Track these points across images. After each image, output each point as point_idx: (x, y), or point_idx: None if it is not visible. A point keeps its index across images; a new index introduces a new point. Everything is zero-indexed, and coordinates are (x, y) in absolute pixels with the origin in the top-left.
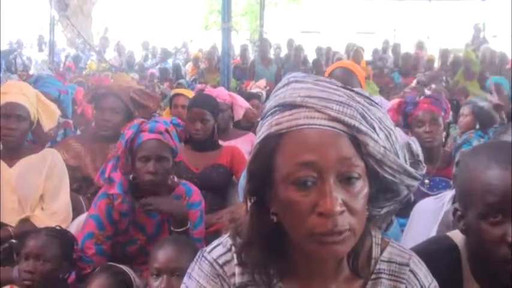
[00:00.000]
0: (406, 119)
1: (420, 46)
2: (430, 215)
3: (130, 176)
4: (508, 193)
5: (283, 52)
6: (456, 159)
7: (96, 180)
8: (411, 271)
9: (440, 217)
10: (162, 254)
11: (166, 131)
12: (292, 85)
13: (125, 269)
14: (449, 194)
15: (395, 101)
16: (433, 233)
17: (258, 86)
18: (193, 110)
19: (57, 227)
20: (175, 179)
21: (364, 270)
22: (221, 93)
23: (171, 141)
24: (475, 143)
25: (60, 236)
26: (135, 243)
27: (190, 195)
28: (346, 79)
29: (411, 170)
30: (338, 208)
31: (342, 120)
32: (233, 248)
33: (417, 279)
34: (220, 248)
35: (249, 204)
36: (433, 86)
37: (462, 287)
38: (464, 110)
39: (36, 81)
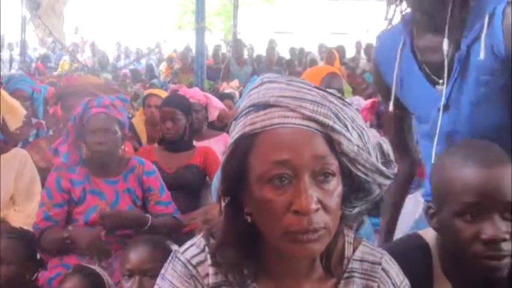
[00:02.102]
0: (378, 119)
1: None
2: (402, 215)
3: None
4: (484, 191)
5: (257, 52)
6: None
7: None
8: (383, 270)
9: (417, 214)
10: (134, 255)
11: (112, 104)
12: (266, 85)
13: (97, 270)
14: (422, 192)
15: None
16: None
17: (230, 87)
18: (164, 109)
19: (19, 228)
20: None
21: (337, 269)
22: (196, 94)
23: (117, 113)
24: None
25: (22, 236)
26: (96, 209)
27: (144, 164)
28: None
29: (383, 168)
30: (313, 206)
31: (316, 119)
32: (207, 249)
33: (389, 277)
34: (194, 248)
35: (222, 204)
36: None
37: (433, 284)
38: None
39: (8, 81)
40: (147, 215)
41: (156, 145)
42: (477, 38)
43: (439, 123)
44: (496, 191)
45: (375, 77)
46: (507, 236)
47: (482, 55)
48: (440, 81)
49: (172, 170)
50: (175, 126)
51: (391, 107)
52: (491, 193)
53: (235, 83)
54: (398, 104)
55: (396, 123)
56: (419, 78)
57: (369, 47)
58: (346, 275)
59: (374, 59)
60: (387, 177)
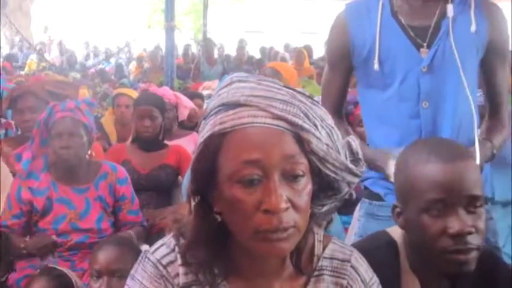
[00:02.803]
0: (347, 118)
1: None
2: None
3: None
4: (447, 187)
5: (228, 52)
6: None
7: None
8: (352, 267)
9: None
10: (103, 255)
11: (78, 108)
12: (236, 84)
13: (66, 272)
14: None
15: None
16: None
17: (208, 88)
18: (140, 108)
19: None
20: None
21: (307, 268)
22: (166, 93)
23: (83, 117)
24: None
25: None
26: (64, 219)
27: (117, 171)
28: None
29: (352, 167)
30: (283, 205)
31: (286, 118)
32: (177, 249)
33: (358, 274)
34: (164, 248)
35: (192, 204)
36: None
37: (400, 280)
38: None
39: None
40: None
41: (128, 143)
42: (465, 9)
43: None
44: (459, 186)
45: (338, 39)
46: (473, 230)
47: (473, 27)
48: (425, 44)
49: (147, 171)
50: (153, 123)
51: (376, 65)
52: (455, 188)
53: (215, 83)
54: (350, 67)
55: (345, 85)
56: (403, 41)
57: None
58: (316, 273)
59: (342, 19)
60: (356, 175)
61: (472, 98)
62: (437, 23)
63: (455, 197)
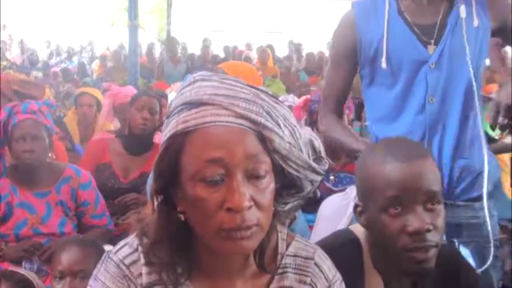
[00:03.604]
0: (311, 117)
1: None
2: (336, 211)
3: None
4: (406, 186)
5: (193, 51)
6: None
7: None
8: (316, 264)
9: (348, 212)
10: (65, 256)
11: (40, 110)
12: (198, 83)
13: (27, 275)
14: (355, 190)
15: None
16: (345, 217)
17: (174, 89)
18: (142, 99)
19: None
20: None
21: (270, 266)
22: (129, 93)
23: (44, 119)
24: None
25: None
26: (26, 224)
27: (80, 176)
28: None
29: (315, 165)
30: (246, 203)
31: (249, 117)
32: (140, 248)
33: (322, 271)
34: (127, 248)
35: (155, 203)
36: None
37: (364, 277)
38: None
39: None
40: None
41: (112, 138)
42: (467, 6)
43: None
44: (417, 184)
45: (345, 37)
46: (431, 227)
47: (476, 22)
48: (432, 41)
49: (127, 180)
50: (152, 118)
51: (384, 64)
52: (412, 186)
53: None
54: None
55: (349, 83)
56: (410, 39)
57: (297, 46)
58: (279, 270)
59: (350, 17)
60: (319, 173)
61: (478, 93)
62: (443, 20)
63: (412, 195)
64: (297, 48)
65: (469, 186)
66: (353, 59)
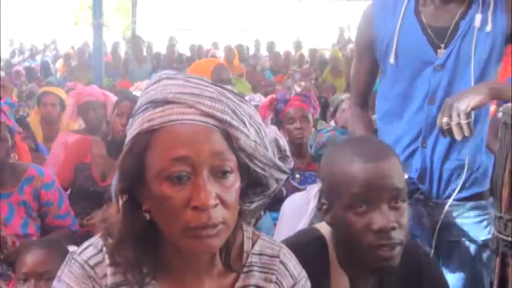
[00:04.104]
0: (277, 116)
1: (298, 45)
2: (297, 210)
3: None
4: (371, 184)
5: (159, 50)
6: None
7: None
8: (281, 262)
9: (308, 210)
10: (30, 258)
11: (1, 110)
12: (164, 82)
13: None
14: (315, 188)
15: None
16: (302, 226)
17: (138, 88)
18: (123, 104)
19: None
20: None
21: (236, 264)
22: (94, 92)
23: (7, 120)
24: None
25: None
26: None
27: (43, 176)
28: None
29: (280, 163)
30: (212, 201)
31: (214, 115)
32: (104, 249)
33: (287, 269)
34: (91, 249)
35: (120, 202)
36: (302, 83)
37: (330, 275)
38: (343, 105)
39: None
40: None
41: (96, 142)
42: (483, 10)
43: (432, 81)
44: (381, 182)
45: (364, 31)
46: (396, 225)
47: (489, 27)
48: (442, 45)
49: (105, 183)
50: None
51: (392, 59)
52: (377, 184)
53: (145, 83)
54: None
55: (371, 77)
56: (421, 40)
57: (270, 45)
58: (245, 269)
59: (369, 11)
60: (284, 172)
61: None
62: (456, 24)
63: (377, 193)
64: (269, 47)
65: (460, 187)
66: (372, 53)
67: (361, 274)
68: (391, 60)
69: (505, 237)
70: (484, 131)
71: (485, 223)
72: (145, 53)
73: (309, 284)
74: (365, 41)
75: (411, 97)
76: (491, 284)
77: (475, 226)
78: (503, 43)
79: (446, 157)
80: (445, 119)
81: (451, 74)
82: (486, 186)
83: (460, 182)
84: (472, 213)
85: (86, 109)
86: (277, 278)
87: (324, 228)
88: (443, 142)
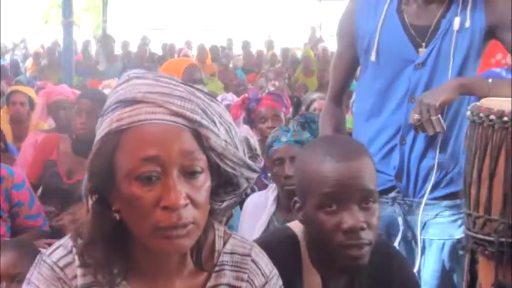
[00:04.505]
0: (249, 115)
1: (270, 44)
2: (256, 207)
3: None
4: (342, 184)
5: (131, 49)
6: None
7: None
8: (253, 261)
9: (267, 208)
10: (1, 260)
11: None
12: (133, 81)
13: None
14: (273, 186)
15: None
16: (261, 224)
17: (108, 86)
18: (81, 101)
19: None
20: None
21: (208, 264)
22: (64, 91)
23: None
24: (283, 138)
25: None
26: None
27: (14, 175)
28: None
29: (250, 162)
30: (182, 201)
31: (184, 114)
32: (74, 250)
33: (259, 268)
34: (61, 250)
35: (90, 203)
36: (276, 83)
37: (302, 273)
38: (314, 104)
39: None
40: None
41: (64, 139)
42: (463, 8)
43: (412, 79)
44: (352, 183)
45: (345, 27)
46: (365, 225)
47: (467, 25)
48: (423, 43)
49: (71, 181)
50: (90, 122)
51: (373, 57)
52: (348, 185)
53: (114, 81)
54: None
55: (350, 74)
56: (402, 39)
57: (244, 44)
58: (217, 268)
59: (352, 7)
60: (254, 171)
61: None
62: (437, 23)
63: (348, 194)
64: (244, 46)
65: (436, 186)
66: (353, 49)
67: (332, 273)
68: (372, 58)
69: (474, 235)
70: (462, 130)
71: (459, 222)
72: (117, 52)
73: (280, 282)
74: (346, 37)
75: (391, 95)
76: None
77: (450, 225)
78: (482, 40)
79: (423, 155)
80: (416, 116)
81: (431, 72)
82: (461, 185)
83: (432, 182)
84: (447, 212)
85: (56, 108)
86: (248, 276)
87: (296, 227)
88: (422, 140)
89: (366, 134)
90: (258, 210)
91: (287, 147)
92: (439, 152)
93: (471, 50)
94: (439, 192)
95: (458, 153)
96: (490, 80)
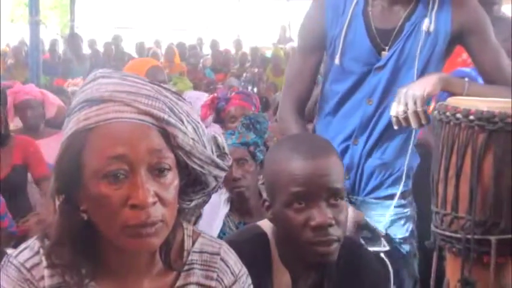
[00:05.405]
0: (218, 114)
1: (238, 44)
2: (213, 206)
3: None
4: (310, 182)
5: (100, 48)
6: None
7: None
8: (222, 259)
9: (221, 204)
10: None
11: None
12: (99, 80)
13: None
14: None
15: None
16: (218, 222)
17: (74, 84)
18: None
19: None
20: None
21: (177, 263)
22: (31, 90)
23: None
24: (228, 141)
25: None
26: None
27: None
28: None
29: (218, 161)
30: (150, 200)
31: (151, 113)
32: (41, 251)
33: (228, 266)
34: (28, 251)
35: (57, 203)
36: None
37: (271, 272)
38: None
39: None
40: None
41: None
42: (426, 14)
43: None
44: (320, 180)
45: (314, 23)
46: (333, 222)
47: (432, 28)
48: (386, 47)
49: (3, 174)
50: None
51: (337, 60)
52: (315, 182)
53: (79, 81)
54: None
55: (316, 75)
56: (365, 43)
57: (213, 43)
58: (186, 267)
59: (321, 5)
60: (222, 169)
61: None
62: (401, 26)
63: (316, 191)
64: (213, 45)
65: (379, 185)
66: (322, 49)
67: (302, 271)
68: (337, 61)
69: (441, 232)
70: (410, 131)
71: (403, 221)
72: (84, 52)
73: (249, 281)
74: (315, 35)
75: (351, 97)
76: (415, 279)
77: (393, 224)
78: (446, 45)
79: (369, 155)
80: (401, 108)
81: (390, 75)
82: (407, 186)
83: (376, 182)
84: (392, 211)
85: (23, 108)
86: (218, 275)
87: (266, 225)
88: (372, 141)
89: (324, 135)
90: (211, 213)
91: (233, 149)
92: (385, 152)
93: (434, 53)
94: (382, 192)
95: (406, 154)
96: (466, 79)
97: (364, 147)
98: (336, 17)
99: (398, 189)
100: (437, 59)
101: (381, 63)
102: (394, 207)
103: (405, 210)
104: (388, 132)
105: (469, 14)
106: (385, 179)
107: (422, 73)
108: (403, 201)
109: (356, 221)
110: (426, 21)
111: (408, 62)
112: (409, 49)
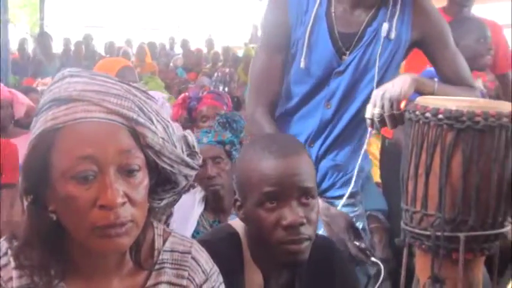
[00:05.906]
0: (190, 114)
1: (210, 43)
2: (181, 209)
3: None
4: (281, 181)
5: (69, 47)
6: None
7: None
8: (193, 258)
9: (194, 208)
10: None
11: None
12: (68, 79)
13: None
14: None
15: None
16: (192, 221)
17: (44, 84)
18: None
19: None
20: None
21: (147, 262)
22: (1, 90)
23: None
24: (204, 139)
25: None
26: None
27: None
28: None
29: (189, 160)
30: (120, 200)
31: (120, 112)
32: (9, 251)
33: (199, 265)
34: None
35: (25, 204)
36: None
37: (243, 271)
38: None
39: None
40: None
41: None
42: (390, 18)
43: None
44: (291, 180)
45: (278, 16)
46: (304, 221)
47: (393, 35)
48: (347, 52)
49: None
50: None
51: (302, 63)
52: (287, 181)
53: (49, 80)
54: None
55: (284, 73)
56: (327, 46)
57: (184, 42)
58: (157, 266)
59: (284, 5)
60: (192, 168)
61: None
62: (363, 31)
63: (287, 190)
64: (183, 44)
65: (331, 186)
66: (287, 48)
67: (273, 270)
68: (302, 64)
69: (411, 229)
70: (364, 136)
71: (353, 220)
72: (54, 51)
73: (221, 279)
74: (280, 33)
75: (310, 100)
76: (369, 276)
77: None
78: (405, 51)
79: (323, 156)
80: (377, 110)
81: (350, 80)
82: (357, 186)
83: (328, 182)
84: (343, 210)
85: None
86: (189, 274)
87: (238, 225)
88: (328, 143)
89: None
90: (185, 212)
91: (208, 147)
92: (338, 154)
93: (393, 60)
94: (334, 192)
95: (358, 156)
96: (436, 80)
97: (319, 149)
98: (300, 14)
99: (351, 189)
100: (396, 65)
101: (341, 68)
102: (346, 205)
103: (355, 209)
104: (343, 135)
105: (429, 21)
106: (337, 180)
107: (381, 79)
108: (353, 200)
109: (347, 221)
110: (387, 27)
111: (368, 67)
112: (369, 55)
